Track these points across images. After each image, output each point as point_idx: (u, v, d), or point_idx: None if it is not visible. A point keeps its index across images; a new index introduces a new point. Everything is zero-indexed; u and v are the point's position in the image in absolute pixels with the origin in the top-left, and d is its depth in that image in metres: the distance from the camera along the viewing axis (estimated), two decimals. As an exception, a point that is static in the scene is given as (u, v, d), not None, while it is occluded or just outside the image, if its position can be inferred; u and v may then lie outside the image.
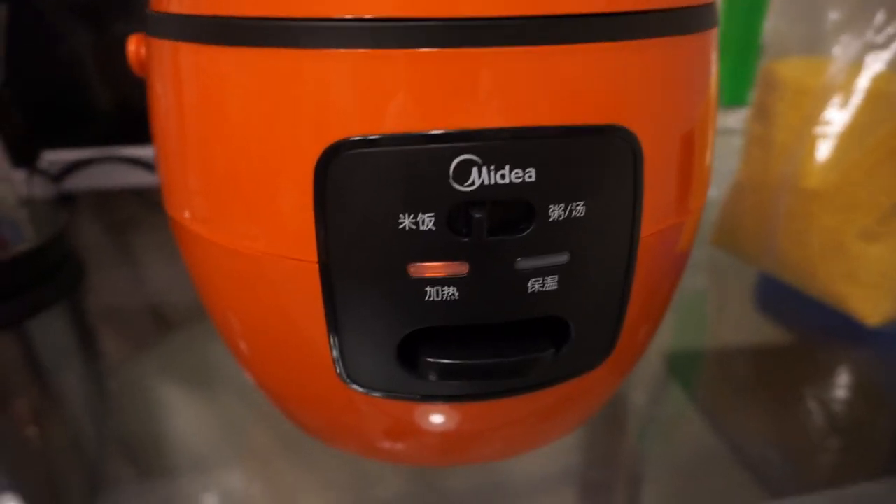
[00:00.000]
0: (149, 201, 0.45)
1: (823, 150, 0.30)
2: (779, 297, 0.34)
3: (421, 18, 0.14)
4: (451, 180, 0.15)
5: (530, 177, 0.15)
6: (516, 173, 0.15)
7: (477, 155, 0.14)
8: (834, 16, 0.32)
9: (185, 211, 0.19)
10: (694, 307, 0.38)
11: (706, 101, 0.18)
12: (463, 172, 0.15)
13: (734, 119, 0.44)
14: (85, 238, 0.43)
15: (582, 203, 0.15)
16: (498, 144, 0.15)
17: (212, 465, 0.26)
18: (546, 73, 0.15)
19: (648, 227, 0.17)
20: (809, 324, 0.33)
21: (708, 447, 0.27)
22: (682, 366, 0.32)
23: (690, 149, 0.18)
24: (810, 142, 0.30)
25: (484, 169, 0.15)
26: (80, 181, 0.40)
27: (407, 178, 0.15)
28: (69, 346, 0.34)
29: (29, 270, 0.33)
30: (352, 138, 0.15)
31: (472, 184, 0.15)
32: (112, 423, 0.29)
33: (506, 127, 0.15)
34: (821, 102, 0.30)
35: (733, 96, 0.43)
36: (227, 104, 0.16)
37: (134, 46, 0.21)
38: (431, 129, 0.14)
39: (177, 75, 0.17)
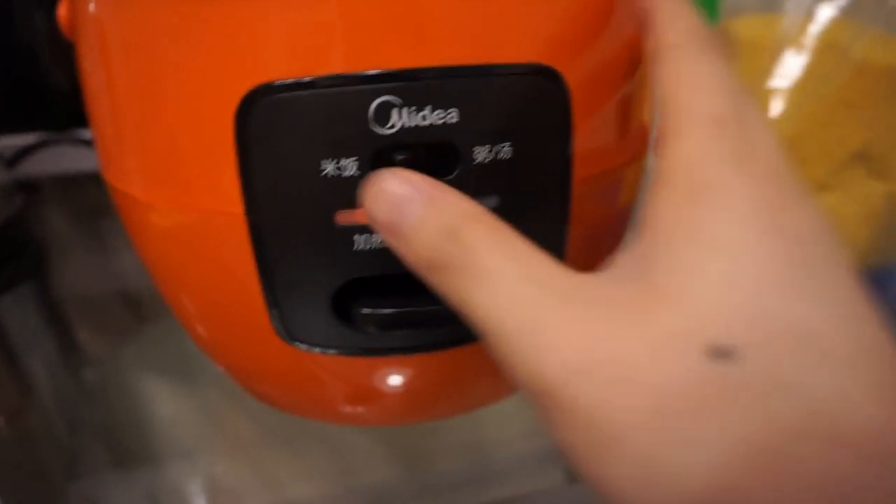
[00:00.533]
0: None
1: (777, 104, 0.30)
2: None
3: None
4: (372, 123, 0.14)
5: (452, 118, 0.15)
6: (438, 114, 0.15)
7: (396, 96, 0.14)
8: (786, -30, 0.31)
9: (119, 173, 0.18)
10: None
11: (638, 45, 0.18)
12: (383, 115, 0.14)
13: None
14: (51, 224, 0.42)
15: (508, 144, 0.15)
16: (418, 85, 0.14)
17: (193, 452, 0.26)
18: (467, 9, 0.14)
19: (582, 170, 0.17)
20: None
21: None
22: None
23: (622, 94, 0.17)
24: (765, 96, 0.30)
25: (404, 110, 0.14)
26: (41, 166, 0.39)
27: (327, 122, 0.14)
28: (38, 330, 0.34)
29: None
30: (270, 83, 0.14)
31: (393, 126, 0.14)
32: (88, 410, 0.29)
33: (426, 66, 0.14)
34: (774, 57, 0.30)
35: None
36: (147, 52, 0.15)
37: (64, 10, 0.20)
38: (349, 71, 0.14)
39: (98, 28, 0.17)
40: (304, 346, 0.18)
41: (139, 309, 0.37)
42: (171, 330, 0.34)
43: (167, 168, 0.16)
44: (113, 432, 0.28)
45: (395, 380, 0.19)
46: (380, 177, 0.14)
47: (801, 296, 0.11)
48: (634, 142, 0.19)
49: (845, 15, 0.29)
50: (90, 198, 0.45)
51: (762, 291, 0.11)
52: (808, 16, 0.30)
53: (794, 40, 0.30)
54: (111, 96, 0.17)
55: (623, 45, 0.17)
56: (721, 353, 0.11)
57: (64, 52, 0.42)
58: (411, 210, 0.13)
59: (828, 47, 0.29)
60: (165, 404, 0.29)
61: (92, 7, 0.17)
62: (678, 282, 0.11)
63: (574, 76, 0.16)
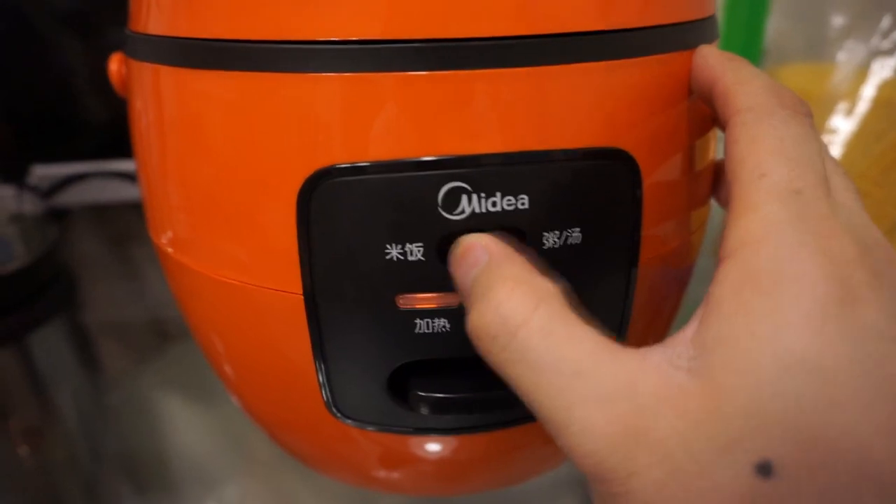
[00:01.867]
0: (143, 214, 0.45)
1: (828, 160, 0.29)
2: None
3: (405, 40, 0.13)
4: (440, 209, 0.14)
5: (523, 204, 0.14)
6: (508, 200, 0.14)
7: (467, 182, 0.14)
8: (838, 20, 0.31)
9: (168, 238, 0.18)
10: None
11: (705, 118, 0.17)
12: (452, 200, 0.14)
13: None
14: (80, 253, 0.42)
15: (578, 230, 0.15)
16: (488, 171, 0.14)
17: (210, 476, 0.26)
18: (538, 95, 0.14)
19: (648, 251, 0.16)
20: None
21: None
22: None
23: (691, 169, 0.17)
24: (815, 151, 0.29)
25: (474, 197, 0.14)
26: (73, 196, 0.39)
27: (394, 206, 0.14)
28: (68, 361, 0.34)
29: (20, 288, 0.33)
30: (336, 166, 0.14)
31: (462, 212, 0.14)
32: (111, 438, 0.29)
33: (497, 153, 0.14)
34: (825, 110, 0.29)
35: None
36: (208, 130, 0.15)
37: (116, 66, 0.20)
38: (419, 156, 0.14)
39: (157, 98, 0.17)
40: (351, 422, 0.17)
41: (165, 334, 0.37)
42: (191, 353, 0.34)
43: (225, 243, 0.16)
44: (132, 458, 0.27)
45: (443, 456, 0.19)
46: (471, 238, 0.14)
47: (858, 418, 0.10)
48: (700, 213, 0.18)
49: (901, 70, 0.28)
50: (118, 225, 0.45)
51: (817, 407, 0.10)
52: (863, 69, 0.29)
53: (846, 94, 0.29)
54: (164, 164, 0.17)
55: (691, 122, 0.17)
56: (769, 470, 0.10)
57: (97, 84, 0.43)
58: (489, 278, 0.13)
59: (883, 104, 0.28)
60: (185, 427, 0.29)
61: (149, 76, 0.16)
62: (731, 384, 0.11)
63: (645, 158, 0.15)
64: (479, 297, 0.13)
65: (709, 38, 0.17)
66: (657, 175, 0.16)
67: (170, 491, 0.26)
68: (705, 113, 0.17)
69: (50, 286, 0.35)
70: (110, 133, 0.43)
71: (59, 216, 0.41)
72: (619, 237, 0.16)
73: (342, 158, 0.14)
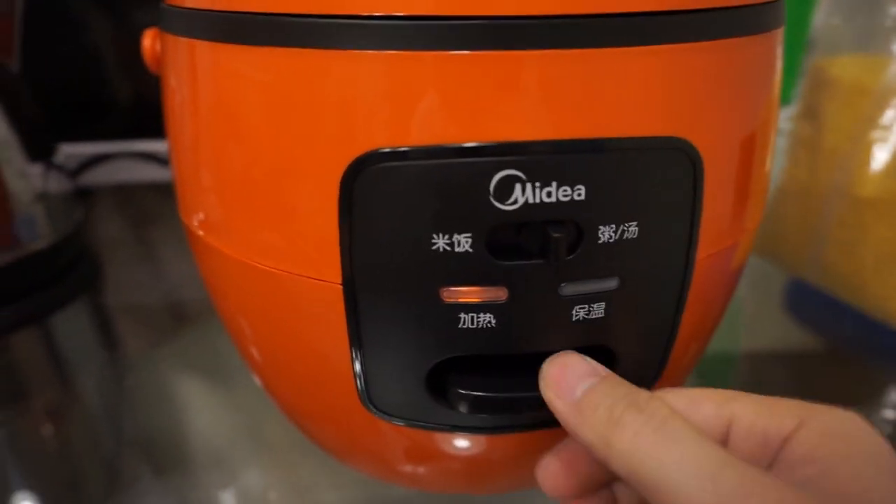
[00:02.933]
0: (166, 195, 0.44)
1: (882, 156, 0.28)
2: (809, 302, 0.33)
3: (458, 17, 0.12)
4: (492, 198, 0.13)
5: (580, 195, 0.13)
6: (564, 191, 0.13)
7: (521, 170, 0.13)
8: (894, 10, 0.29)
9: (200, 220, 0.17)
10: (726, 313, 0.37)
11: (770, 108, 0.16)
12: (505, 189, 0.13)
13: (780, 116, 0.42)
14: (103, 232, 0.42)
15: (635, 224, 0.14)
16: (544, 159, 0.13)
17: (228, 460, 0.26)
18: (595, 80, 0.13)
19: (705, 248, 0.15)
20: (841, 330, 0.32)
21: None
22: (710, 369, 0.31)
23: (752, 161, 0.16)
24: (866, 146, 0.28)
25: (528, 186, 0.13)
26: (98, 176, 0.39)
27: (442, 195, 0.13)
28: (89, 341, 0.34)
29: (44, 268, 0.32)
30: (382, 150, 0.13)
31: (515, 202, 0.13)
32: (131, 420, 0.28)
33: (553, 139, 0.13)
34: (880, 104, 0.28)
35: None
36: (247, 109, 0.14)
37: (149, 42, 0.20)
38: (470, 142, 0.13)
39: (192, 75, 0.16)
40: (388, 417, 0.17)
41: (184, 316, 0.37)
42: (208, 335, 0.34)
43: (261, 229, 0.15)
44: (151, 439, 0.27)
45: (474, 455, 0.18)
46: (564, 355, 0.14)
47: None
48: (757, 209, 0.17)
49: (962, 63, 0.27)
50: (141, 206, 0.45)
51: None
52: (920, 62, 0.28)
53: (902, 88, 0.28)
54: (199, 144, 0.16)
55: (753, 111, 0.16)
56: None
57: (125, 64, 0.42)
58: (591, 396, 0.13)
59: (943, 98, 0.26)
60: (203, 410, 0.29)
61: (184, 52, 0.16)
62: None
63: (707, 148, 0.14)
64: (613, 423, 0.13)
65: (775, 24, 0.16)
66: (719, 167, 0.15)
67: (187, 472, 0.26)
68: (768, 101, 0.16)
69: (74, 266, 0.35)
70: (136, 113, 0.43)
71: (83, 195, 0.41)
72: (676, 232, 0.15)
73: (388, 142, 0.13)
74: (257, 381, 0.21)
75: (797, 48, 0.40)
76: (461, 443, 0.18)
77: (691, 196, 0.14)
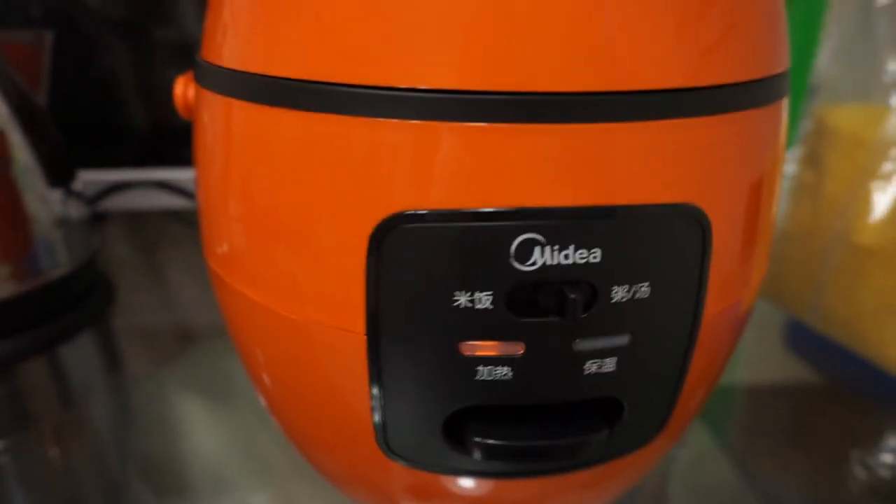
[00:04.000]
0: (176, 222, 0.45)
1: (881, 206, 0.28)
2: (810, 339, 0.33)
3: (483, 92, 0.13)
4: (513, 259, 0.14)
5: (595, 257, 0.14)
6: (581, 253, 0.14)
7: (540, 234, 0.14)
8: (893, 65, 0.30)
9: (224, 264, 0.18)
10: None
11: (774, 174, 0.17)
12: (525, 251, 0.14)
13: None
14: (115, 257, 0.43)
15: (647, 284, 0.15)
16: (563, 223, 0.14)
17: (232, 483, 0.26)
18: (613, 151, 0.14)
19: (713, 306, 0.16)
20: (841, 369, 0.32)
21: (730, 484, 0.26)
22: (708, 405, 0.32)
23: (759, 224, 0.17)
24: (865, 195, 0.29)
25: (547, 248, 0.14)
26: (113, 202, 0.40)
27: (466, 255, 0.14)
28: (95, 365, 0.34)
29: (62, 296, 0.33)
30: (410, 212, 0.14)
31: (534, 263, 0.14)
32: (135, 442, 0.29)
33: (571, 206, 0.14)
34: (878, 155, 0.29)
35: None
36: (278, 167, 0.15)
37: (181, 89, 0.20)
38: (493, 206, 0.14)
39: (227, 130, 0.17)
40: (403, 462, 0.17)
41: (189, 339, 0.37)
42: (214, 358, 0.34)
43: (286, 277, 0.16)
44: (155, 462, 0.28)
45: (488, 498, 0.19)
46: None
47: None
48: (762, 265, 0.18)
49: (959, 119, 0.28)
50: (150, 232, 0.46)
51: None
52: (918, 115, 0.29)
53: (901, 140, 0.29)
54: (230, 193, 0.17)
55: (761, 179, 0.16)
56: None
57: (141, 93, 0.43)
58: None
59: (940, 152, 0.27)
60: (207, 433, 0.30)
61: (220, 108, 0.17)
62: None
63: (716, 214, 0.15)
64: None
65: (782, 94, 0.17)
66: (727, 232, 0.16)
67: (191, 495, 0.26)
68: (774, 165, 0.17)
69: (90, 293, 0.35)
70: (152, 141, 0.44)
71: (98, 220, 0.41)
72: (685, 292, 0.15)
73: (416, 205, 0.14)
74: (264, 405, 0.21)
75: (799, 92, 0.41)
76: (474, 487, 0.18)
77: (700, 258, 0.15)
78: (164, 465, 0.28)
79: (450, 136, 0.13)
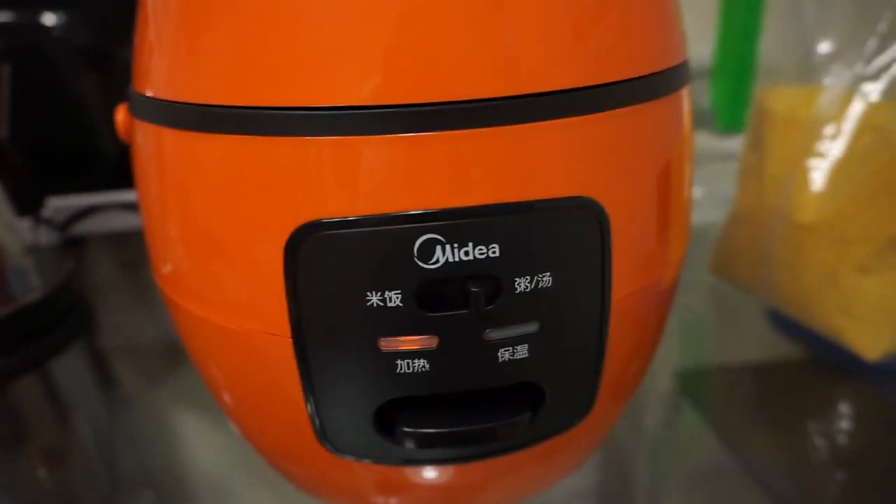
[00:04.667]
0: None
1: (816, 183, 0.29)
2: (789, 318, 0.34)
3: (389, 105, 0.14)
4: (416, 259, 0.15)
5: (494, 252, 0.15)
6: (480, 250, 0.15)
7: (439, 234, 0.15)
8: (825, 46, 0.31)
9: (166, 281, 0.19)
10: (705, 326, 0.38)
11: (678, 160, 0.18)
12: (427, 251, 0.15)
13: (734, 143, 0.44)
14: (96, 278, 0.44)
15: (548, 274, 0.16)
16: (460, 223, 0.15)
17: (226, 495, 0.27)
18: (509, 151, 0.15)
19: (621, 290, 0.17)
20: (816, 343, 0.33)
21: (720, 464, 0.27)
22: (694, 385, 0.32)
23: (661, 211, 0.18)
24: (802, 174, 0.30)
25: (448, 247, 0.15)
26: (87, 226, 0.41)
27: (373, 257, 0.15)
28: (86, 383, 0.35)
29: (38, 318, 0.34)
30: (319, 220, 0.15)
31: (437, 261, 0.15)
32: (128, 458, 0.30)
33: (467, 206, 0.15)
34: (812, 134, 0.30)
35: (731, 120, 0.43)
36: (205, 187, 0.16)
37: (122, 116, 0.21)
38: (395, 211, 0.15)
39: (159, 155, 0.18)
40: (343, 455, 0.18)
41: (177, 355, 0.38)
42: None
43: (217, 289, 0.17)
44: (148, 476, 0.29)
45: (430, 483, 0.20)
46: None
47: None
48: (676, 249, 0.19)
49: (889, 94, 0.29)
50: (130, 251, 0.47)
51: None
52: (849, 93, 0.30)
53: (833, 118, 0.30)
54: (163, 214, 0.18)
55: (660, 168, 0.17)
56: None
57: (109, 118, 0.44)
58: None
59: (869, 127, 0.28)
60: (200, 445, 0.30)
61: (150, 135, 0.18)
62: None
63: (612, 205, 0.16)
64: None
65: (679, 85, 0.18)
66: (628, 220, 0.16)
67: None
68: (677, 157, 0.18)
69: (67, 315, 0.36)
70: (121, 164, 0.45)
71: (73, 245, 0.42)
72: (590, 279, 0.16)
73: (327, 213, 0.15)
74: (228, 419, 0.22)
75: (747, 76, 0.42)
76: (417, 476, 0.19)
77: (600, 247, 0.16)
78: (158, 480, 0.28)
79: (360, 148, 0.14)
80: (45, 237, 0.35)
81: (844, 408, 0.30)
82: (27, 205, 0.34)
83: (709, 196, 0.46)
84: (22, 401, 0.33)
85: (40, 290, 0.34)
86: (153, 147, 0.18)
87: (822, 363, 0.33)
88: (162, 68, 0.17)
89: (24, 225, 0.34)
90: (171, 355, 0.38)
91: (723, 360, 0.35)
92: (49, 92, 0.43)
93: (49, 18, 0.43)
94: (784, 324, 0.34)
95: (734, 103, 0.42)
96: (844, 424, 0.29)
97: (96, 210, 0.39)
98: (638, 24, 0.16)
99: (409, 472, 0.19)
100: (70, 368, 0.35)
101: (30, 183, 0.35)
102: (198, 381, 0.35)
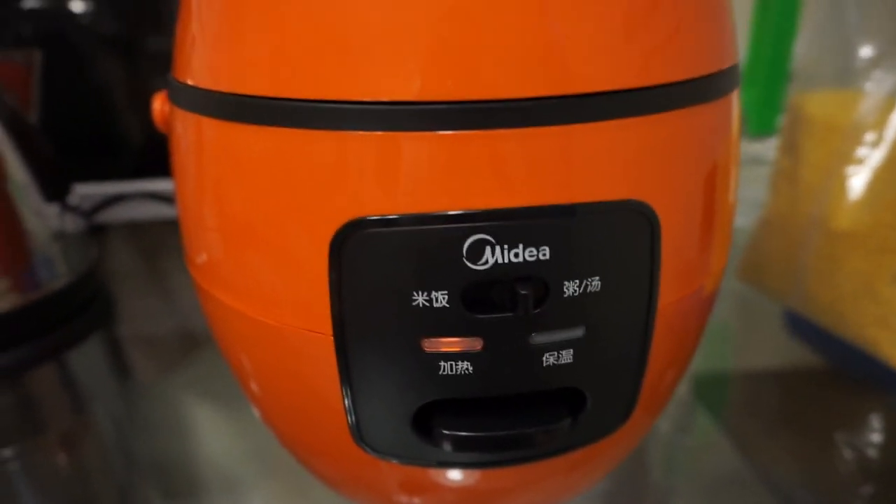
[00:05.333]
0: (174, 230, 0.46)
1: (854, 190, 0.29)
2: (809, 324, 0.34)
3: (434, 102, 0.14)
4: (465, 259, 0.15)
5: (544, 255, 0.15)
6: (530, 251, 0.15)
7: (490, 234, 0.14)
8: (866, 51, 0.31)
9: (203, 272, 0.19)
10: (723, 332, 0.38)
11: (726, 165, 0.18)
12: (477, 251, 0.15)
13: (763, 147, 0.43)
14: (115, 266, 0.44)
15: (597, 278, 0.15)
16: (510, 224, 0.14)
17: (238, 486, 0.27)
18: (558, 152, 0.14)
19: (666, 296, 0.17)
20: (839, 353, 0.32)
21: (735, 472, 0.27)
22: (709, 391, 0.32)
23: (709, 217, 0.17)
24: (840, 181, 0.29)
25: (497, 248, 0.15)
26: (110, 214, 0.41)
27: (420, 257, 0.15)
28: (102, 372, 0.35)
29: (63, 306, 0.34)
30: (366, 217, 0.15)
31: (486, 262, 0.15)
32: (143, 447, 0.30)
33: (518, 207, 0.14)
34: (852, 140, 0.29)
35: (761, 125, 0.42)
36: (246, 179, 0.16)
37: (159, 105, 0.21)
38: (445, 210, 0.14)
39: (198, 145, 0.17)
40: (377, 455, 0.18)
41: (193, 344, 0.38)
42: (218, 362, 0.35)
43: (258, 284, 0.17)
44: (163, 466, 0.29)
45: (462, 487, 0.19)
46: None
47: None
48: (719, 256, 0.19)
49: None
50: (150, 241, 0.47)
51: None
52: (892, 99, 0.29)
53: (874, 124, 0.29)
54: (204, 205, 0.18)
55: (710, 172, 0.17)
56: None
57: (135, 106, 0.44)
58: None
59: (911, 135, 0.28)
60: (214, 436, 0.30)
61: (190, 124, 0.17)
62: None
63: (664, 207, 0.16)
64: None
65: (730, 88, 0.18)
66: (677, 225, 0.16)
67: (198, 498, 0.27)
68: (725, 158, 0.18)
69: (90, 303, 0.36)
70: (147, 153, 0.45)
71: (96, 232, 0.42)
72: (638, 284, 0.16)
73: (374, 210, 0.15)
74: (256, 412, 0.22)
75: (780, 80, 0.41)
76: (450, 478, 0.19)
77: (649, 252, 0.16)
78: (173, 468, 0.29)
79: (404, 144, 0.14)
80: (72, 224, 0.35)
81: (869, 419, 0.30)
82: (55, 191, 0.34)
83: (740, 201, 0.45)
84: (40, 387, 0.33)
85: (66, 277, 0.34)
86: (193, 136, 0.18)
87: (841, 372, 0.32)
88: (205, 57, 0.17)
89: (52, 211, 0.34)
90: (185, 344, 0.38)
91: (739, 367, 0.34)
92: (75, 79, 0.43)
93: (77, 6, 0.43)
94: (803, 331, 0.34)
95: (766, 107, 0.41)
96: (867, 436, 0.29)
97: (122, 198, 0.39)
98: (690, 24, 0.16)
99: (441, 473, 0.19)
100: (86, 355, 0.35)
101: (58, 170, 0.35)
102: (212, 371, 0.35)
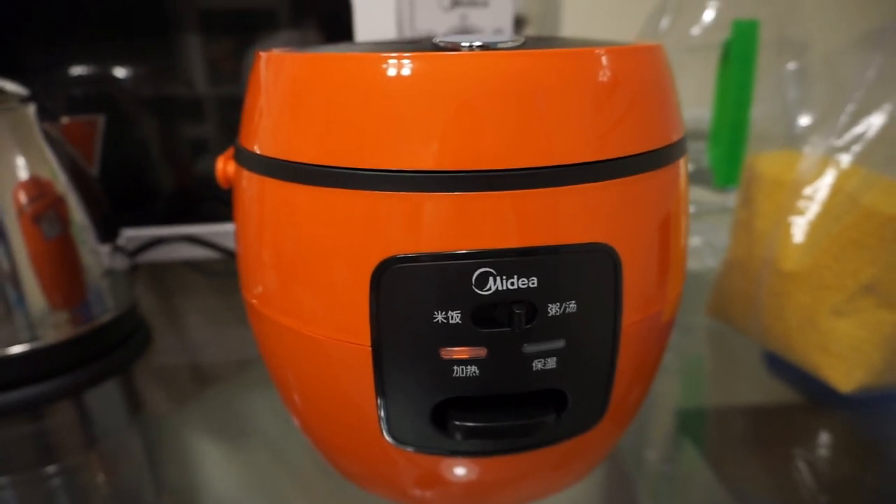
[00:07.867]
0: (192, 270, 0.50)
1: (797, 237, 0.34)
2: (784, 361, 0.37)
3: (449, 171, 0.19)
4: (474, 287, 0.19)
5: (533, 283, 0.20)
6: (522, 281, 0.20)
7: (492, 268, 0.19)
8: (805, 119, 0.36)
9: (261, 299, 0.24)
10: (705, 369, 0.42)
11: (677, 215, 0.23)
12: (482, 281, 0.19)
13: (729, 198, 0.49)
14: (144, 304, 0.48)
15: (574, 302, 0.20)
16: (508, 260, 0.19)
17: None
18: (544, 208, 0.20)
19: (629, 317, 0.22)
20: (804, 382, 0.36)
21: (718, 500, 0.29)
22: (693, 424, 0.35)
23: (664, 256, 0.22)
24: (785, 229, 0.35)
25: (498, 278, 0.19)
26: (146, 256, 0.45)
27: (440, 285, 0.19)
28: (117, 405, 0.37)
29: (109, 338, 0.39)
30: (398, 256, 0.20)
31: (490, 289, 0.19)
32: (153, 480, 0.31)
33: (514, 247, 0.19)
34: (794, 194, 0.35)
35: (727, 178, 0.48)
36: (301, 227, 0.21)
37: (221, 165, 0.26)
38: (458, 249, 0.19)
39: (260, 199, 0.22)
40: (401, 445, 0.22)
41: (205, 379, 0.40)
42: (228, 397, 0.37)
43: (308, 305, 0.21)
44: (171, 500, 0.30)
45: (469, 475, 0.24)
46: None
47: None
48: (674, 286, 0.24)
49: (858, 163, 0.33)
50: (171, 280, 0.51)
51: None
52: (825, 160, 0.34)
53: (811, 181, 0.34)
54: (263, 247, 0.23)
55: (663, 220, 0.22)
56: None
57: (170, 163, 0.50)
58: None
59: (840, 191, 0.33)
60: (220, 471, 0.32)
61: (255, 183, 0.22)
62: None
63: (624, 249, 0.21)
64: None
65: (679, 156, 0.23)
66: (636, 262, 0.21)
67: None
68: (675, 210, 0.23)
69: (131, 336, 0.41)
70: (178, 200, 0.50)
71: (133, 271, 0.47)
72: (606, 308, 0.21)
73: (404, 250, 0.19)
74: (296, 422, 0.27)
75: (741, 139, 0.47)
76: (464, 465, 0.23)
77: (614, 283, 0.21)
78: (181, 498, 0.30)
79: (428, 202, 0.19)
80: (119, 263, 0.40)
81: (824, 437, 0.34)
82: (107, 233, 0.39)
83: (707, 245, 0.51)
84: (57, 419, 0.35)
85: (113, 311, 0.39)
86: (256, 193, 0.23)
87: (816, 403, 0.36)
88: (269, 132, 0.22)
89: (104, 251, 0.38)
90: (198, 378, 0.40)
91: (721, 401, 0.38)
92: (121, 137, 0.48)
93: (119, 72, 0.49)
94: (779, 367, 0.37)
95: (729, 164, 0.47)
96: (825, 453, 0.32)
97: (162, 241, 0.44)
98: (647, 110, 0.21)
99: (452, 463, 0.23)
100: (104, 388, 0.37)
101: (110, 215, 0.39)
102: (221, 404, 0.37)
